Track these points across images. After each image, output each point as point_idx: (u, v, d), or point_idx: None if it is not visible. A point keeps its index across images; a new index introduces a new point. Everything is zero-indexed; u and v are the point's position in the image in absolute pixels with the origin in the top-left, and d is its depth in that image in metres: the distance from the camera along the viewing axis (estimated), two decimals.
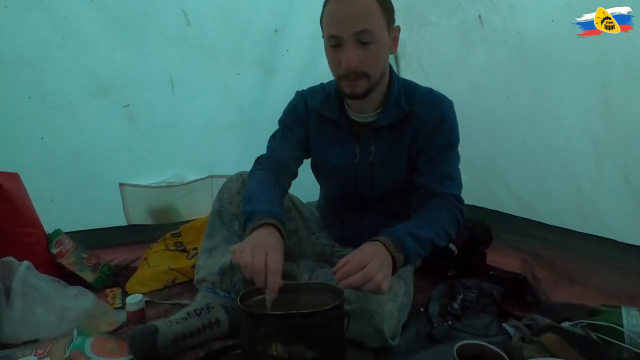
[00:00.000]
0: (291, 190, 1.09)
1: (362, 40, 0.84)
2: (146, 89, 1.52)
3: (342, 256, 1.05)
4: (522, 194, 1.50)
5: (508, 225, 1.50)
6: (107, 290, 1.22)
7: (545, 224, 1.43)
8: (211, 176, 1.66)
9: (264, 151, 1.05)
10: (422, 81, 1.04)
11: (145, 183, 1.58)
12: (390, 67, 0.97)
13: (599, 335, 0.89)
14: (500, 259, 1.37)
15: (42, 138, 1.40)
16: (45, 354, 0.83)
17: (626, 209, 1.18)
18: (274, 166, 0.99)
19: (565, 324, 0.93)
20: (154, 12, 1.47)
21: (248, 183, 0.97)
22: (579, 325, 0.91)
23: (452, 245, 1.27)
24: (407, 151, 0.98)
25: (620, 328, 0.88)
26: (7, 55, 1.31)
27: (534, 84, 1.35)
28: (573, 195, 1.32)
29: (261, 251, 0.74)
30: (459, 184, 0.97)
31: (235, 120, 1.67)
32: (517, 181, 1.50)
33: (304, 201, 1.20)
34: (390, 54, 0.93)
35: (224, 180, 1.06)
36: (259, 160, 1.02)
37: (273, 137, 1.07)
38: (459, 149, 0.99)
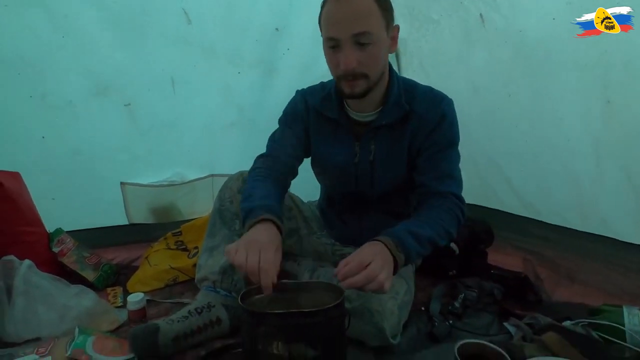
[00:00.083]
0: (292, 189, 1.09)
1: (361, 41, 0.84)
2: (146, 88, 1.52)
3: (342, 255, 1.07)
4: (523, 193, 1.50)
5: (509, 225, 1.51)
6: (109, 289, 1.22)
7: (546, 223, 1.43)
8: (212, 175, 1.66)
9: (264, 150, 1.05)
10: (423, 80, 1.04)
11: (146, 182, 1.58)
12: (390, 65, 0.97)
13: (600, 334, 0.89)
14: (501, 258, 1.37)
15: (43, 137, 1.41)
16: (46, 352, 0.83)
17: (627, 208, 1.18)
18: (274, 165, 0.99)
19: (567, 323, 0.93)
20: (154, 11, 1.47)
21: (247, 181, 0.97)
22: (580, 324, 0.91)
23: (453, 245, 1.27)
24: (407, 150, 0.98)
25: (622, 327, 0.88)
26: (7, 54, 1.32)
27: (534, 83, 1.35)
28: (574, 194, 1.32)
29: (255, 250, 0.74)
30: (459, 183, 0.97)
31: (235, 120, 1.67)
32: (517, 180, 1.50)
33: (305, 200, 1.20)
34: (390, 53, 0.93)
35: (225, 179, 1.06)
36: (258, 160, 1.02)
37: (273, 136, 1.07)
38: (459, 147, 0.99)
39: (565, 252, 1.33)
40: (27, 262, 1.01)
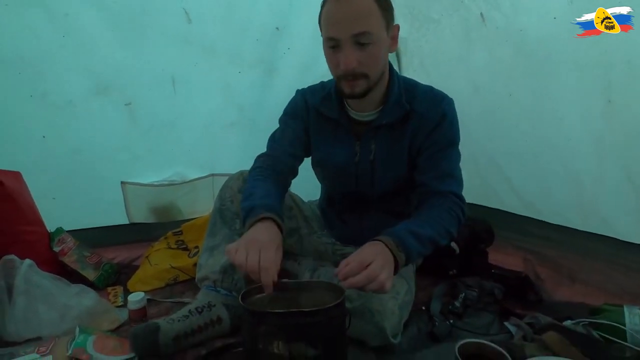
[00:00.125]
0: (292, 189, 1.09)
1: (360, 41, 0.83)
2: (147, 88, 1.52)
3: (343, 254, 1.07)
4: (524, 192, 1.50)
5: (510, 224, 1.50)
6: (109, 289, 1.22)
7: (546, 223, 1.43)
8: (212, 174, 1.66)
9: (264, 150, 1.05)
10: (423, 79, 1.04)
11: (146, 182, 1.58)
12: (391, 65, 0.97)
13: (601, 333, 0.89)
14: (501, 257, 1.37)
15: (43, 137, 1.41)
16: (47, 351, 0.83)
17: (628, 207, 1.18)
18: (274, 165, 0.99)
19: (567, 323, 0.93)
20: (155, 10, 1.47)
21: (248, 181, 0.97)
22: (581, 323, 0.91)
23: (453, 244, 1.27)
24: (407, 149, 0.98)
25: (623, 327, 0.88)
26: (7, 54, 1.32)
27: (535, 83, 1.35)
28: (574, 194, 1.32)
29: (255, 249, 0.74)
30: (459, 182, 0.97)
31: (235, 119, 1.67)
32: (518, 180, 1.50)
33: (305, 200, 1.20)
34: (390, 52, 0.93)
35: (225, 178, 1.06)
36: (259, 159, 1.02)
37: (273, 136, 1.07)
38: (460, 147, 0.99)
39: (566, 251, 1.33)
40: (27, 261, 1.01)
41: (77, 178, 1.46)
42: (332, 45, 0.86)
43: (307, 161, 1.11)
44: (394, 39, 0.92)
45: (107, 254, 1.39)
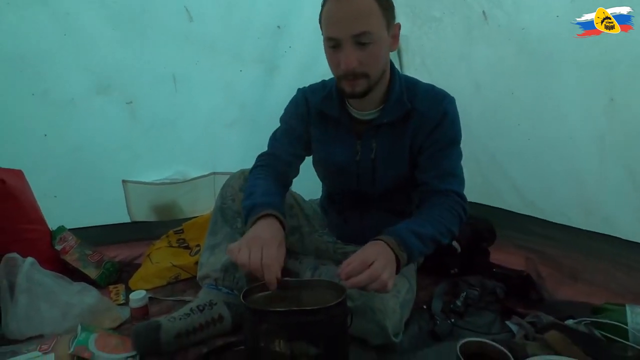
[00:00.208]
0: (293, 187, 1.09)
1: (361, 41, 0.83)
2: (148, 86, 1.52)
3: (344, 253, 1.07)
4: (526, 191, 1.49)
5: (511, 223, 1.50)
6: (111, 287, 1.23)
7: (549, 222, 1.42)
8: (214, 173, 1.66)
9: (265, 148, 1.05)
10: (425, 78, 1.03)
11: (147, 180, 1.58)
12: (392, 63, 0.97)
13: (603, 333, 0.89)
14: (503, 256, 1.36)
15: (44, 135, 1.41)
16: (49, 349, 0.84)
17: (630, 206, 1.18)
18: (275, 163, 0.99)
19: (569, 322, 0.92)
20: (156, 9, 1.47)
21: (249, 180, 0.97)
22: (583, 322, 0.91)
23: (455, 243, 1.26)
24: (408, 148, 0.98)
25: (625, 326, 0.88)
26: (9, 52, 1.32)
27: (537, 81, 1.34)
28: (577, 193, 1.31)
29: (257, 247, 0.74)
30: (461, 181, 0.96)
31: (237, 118, 1.67)
32: (520, 178, 1.50)
33: (306, 198, 1.20)
34: (391, 51, 0.93)
35: (227, 177, 1.06)
36: (260, 158, 1.02)
37: (274, 135, 1.07)
38: (461, 145, 0.99)
39: (568, 250, 1.32)
40: (29, 259, 1.01)
41: (78, 176, 1.47)
42: (333, 45, 0.86)
43: (308, 160, 1.11)
44: (395, 37, 0.91)
45: (109, 252, 1.40)
